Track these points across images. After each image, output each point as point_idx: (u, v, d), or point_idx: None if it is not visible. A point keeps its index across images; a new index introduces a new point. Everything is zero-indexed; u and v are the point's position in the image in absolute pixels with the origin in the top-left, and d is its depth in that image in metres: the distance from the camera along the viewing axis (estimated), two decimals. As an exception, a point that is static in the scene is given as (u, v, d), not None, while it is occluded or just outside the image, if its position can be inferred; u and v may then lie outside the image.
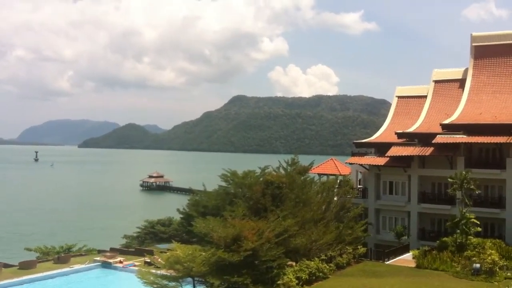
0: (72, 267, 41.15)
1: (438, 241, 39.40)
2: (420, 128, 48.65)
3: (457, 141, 43.68)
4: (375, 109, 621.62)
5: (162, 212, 74.01)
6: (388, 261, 38.71)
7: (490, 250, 34.65)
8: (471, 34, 52.59)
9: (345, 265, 36.16)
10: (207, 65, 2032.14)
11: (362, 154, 52.08)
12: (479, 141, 43.18)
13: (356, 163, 50.46)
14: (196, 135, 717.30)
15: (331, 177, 50.54)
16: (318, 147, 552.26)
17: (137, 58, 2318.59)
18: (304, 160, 46.06)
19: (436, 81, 53.88)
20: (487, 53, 51.26)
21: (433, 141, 44.09)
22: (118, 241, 60.12)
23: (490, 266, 32.73)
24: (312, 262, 32.62)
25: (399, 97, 57.07)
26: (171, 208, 66.15)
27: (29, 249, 53.87)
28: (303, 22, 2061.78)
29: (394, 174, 48.74)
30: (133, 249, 48.88)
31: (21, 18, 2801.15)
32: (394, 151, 46.68)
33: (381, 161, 47.99)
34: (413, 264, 37.01)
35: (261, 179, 39.90)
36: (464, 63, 53.68)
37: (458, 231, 37.70)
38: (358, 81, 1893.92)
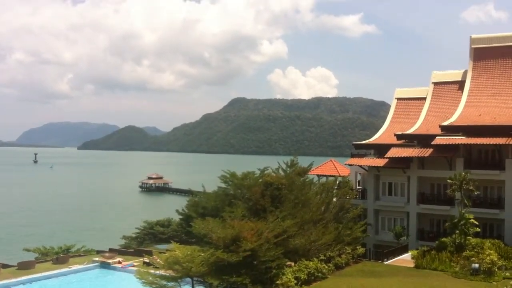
0: (71, 267, 41.08)
1: (437, 242, 39.48)
2: (419, 130, 48.70)
3: (456, 143, 43.75)
4: (375, 111, 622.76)
5: (161, 213, 74.01)
6: (387, 261, 38.74)
7: (489, 250, 34.69)
8: (470, 36, 52.70)
9: (344, 265, 36.21)
10: (207, 67, 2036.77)
11: (361, 156, 52.09)
12: (478, 143, 43.25)
13: (356, 164, 50.50)
14: (195, 137, 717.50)
15: (330, 178, 50.58)
16: (317, 148, 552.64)
17: (136, 61, 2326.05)
18: (303, 161, 46.09)
19: (435, 83, 53.94)
20: (486, 55, 51.36)
21: (432, 143, 44.14)
22: (117, 242, 60.07)
23: (489, 266, 32.80)
24: (311, 263, 32.64)
25: (398, 99, 57.12)
26: (170, 209, 66.27)
27: (28, 250, 53.81)
28: (302, 25, 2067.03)
29: (393, 175, 48.79)
30: (132, 250, 48.83)
31: (20, 21, 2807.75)
32: (393, 152, 46.74)
33: (380, 162, 48.04)
34: (412, 264, 37.04)
35: (260, 180, 39.91)
36: (463, 65, 53.89)
37: (457, 231, 37.76)
38: (358, 83, 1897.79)
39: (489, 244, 37.16)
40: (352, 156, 52.34)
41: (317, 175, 52.08)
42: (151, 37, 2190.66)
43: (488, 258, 33.20)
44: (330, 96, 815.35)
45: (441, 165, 45.59)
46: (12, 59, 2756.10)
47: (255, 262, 28.53)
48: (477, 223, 38.06)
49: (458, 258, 35.67)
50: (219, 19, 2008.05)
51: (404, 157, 46.25)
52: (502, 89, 48.92)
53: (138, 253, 45.62)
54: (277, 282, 29.09)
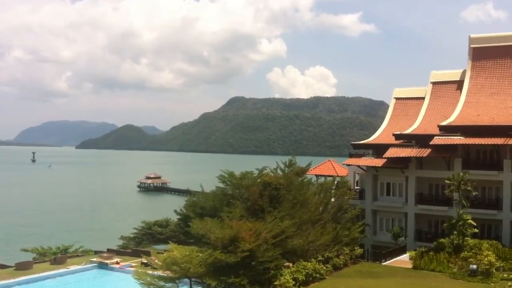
0: (69, 268, 41.00)
1: (435, 242, 39.46)
2: (417, 130, 48.67)
3: (455, 143, 43.73)
4: (373, 111, 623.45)
5: (159, 213, 73.91)
6: (385, 262, 38.76)
7: (486, 251, 34.65)
8: (469, 36, 52.70)
9: (342, 266, 36.19)
10: (206, 66, 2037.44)
11: (359, 156, 52.08)
12: (476, 143, 43.26)
13: (354, 164, 50.49)
14: (194, 136, 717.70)
15: (328, 178, 50.58)
16: (315, 148, 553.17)
17: (135, 59, 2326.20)
18: (301, 161, 46.07)
19: (434, 83, 53.94)
20: (485, 54, 51.34)
21: (431, 143, 44.13)
22: (115, 242, 59.93)
23: (487, 267, 32.78)
24: (309, 263, 32.61)
25: (397, 98, 57.13)
26: (168, 209, 66.23)
27: (25, 250, 53.67)
28: (301, 24, 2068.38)
29: (392, 175, 48.76)
30: (130, 250, 48.73)
31: (20, 19, 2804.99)
32: (391, 153, 46.71)
33: (378, 162, 48.01)
34: (410, 265, 37.04)
35: (258, 180, 39.89)
36: (462, 64, 53.87)
37: (455, 232, 37.76)
38: (356, 83, 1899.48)
39: (487, 245, 37.12)
40: (351, 156, 52.33)
41: (316, 175, 52.04)
42: (150, 35, 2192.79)
43: (486, 259, 33.17)
44: (328, 95, 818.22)
45: (439, 165, 45.58)
46: (11, 57, 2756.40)
47: (253, 262, 28.51)
48: (475, 224, 38.04)
49: (456, 259, 35.66)
50: (218, 17, 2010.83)
51: (402, 157, 46.23)
52: (501, 89, 48.92)
53: (136, 254, 45.54)
54: (275, 283, 29.05)
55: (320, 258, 34.10)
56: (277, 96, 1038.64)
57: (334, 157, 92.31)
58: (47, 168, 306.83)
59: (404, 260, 39.11)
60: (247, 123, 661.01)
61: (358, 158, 50.88)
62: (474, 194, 39.94)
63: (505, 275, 32.91)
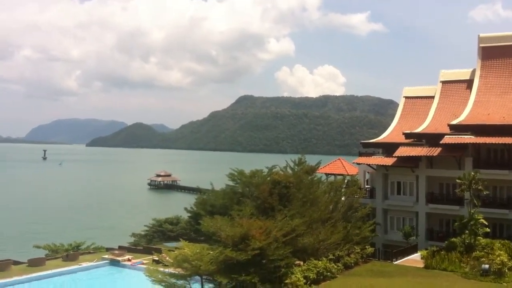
0: (81, 264, 41.45)
1: (446, 242, 39.27)
2: (427, 129, 48.53)
3: (465, 142, 43.56)
4: (382, 109, 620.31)
5: (170, 211, 74.27)
6: (396, 261, 38.68)
7: (499, 251, 34.54)
8: (479, 35, 52.45)
9: (353, 265, 36.18)
10: (214, 65, 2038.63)
11: (369, 154, 51.99)
12: (487, 142, 43.03)
13: (364, 163, 50.39)
14: (203, 135, 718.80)
15: (338, 177, 50.56)
16: (325, 147, 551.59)
17: (144, 58, 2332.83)
18: (311, 160, 46.13)
19: (443, 82, 53.74)
20: (495, 54, 51.10)
21: (441, 142, 43.97)
22: (126, 239, 60.43)
23: (499, 267, 32.63)
24: (320, 262, 32.66)
25: (406, 97, 56.95)
26: (178, 207, 66.46)
27: (38, 247, 54.34)
28: (309, 23, 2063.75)
29: (402, 174, 48.62)
30: (141, 247, 49.11)
31: (29, 18, 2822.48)
32: (401, 151, 46.58)
33: (388, 161, 47.88)
34: (421, 265, 36.96)
35: (268, 178, 40.01)
36: (471, 64, 53.63)
37: (467, 231, 37.59)
38: (365, 82, 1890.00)
39: (499, 244, 36.96)
40: (360, 154, 52.24)
41: (325, 173, 52.03)
42: (158, 34, 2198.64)
43: (498, 258, 33.03)
44: (337, 94, 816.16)
45: (450, 164, 45.41)
46: (21, 55, 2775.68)
47: (264, 261, 28.58)
48: (486, 223, 37.82)
49: (468, 259, 35.52)
50: (226, 16, 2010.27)
51: (412, 156, 46.07)
52: (510, 88, 48.68)
53: (147, 251, 45.87)
54: (286, 281, 29.11)
55: (331, 256, 34.14)
56: (285, 95, 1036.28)
57: (344, 155, 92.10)
58: (58, 166, 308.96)
59: (415, 259, 39.03)
60: (256, 121, 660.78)
61: (368, 157, 50.78)
62: (485, 193, 39.72)
63: (517, 274, 32.76)
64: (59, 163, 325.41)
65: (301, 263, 32.12)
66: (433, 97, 53.31)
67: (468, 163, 44.11)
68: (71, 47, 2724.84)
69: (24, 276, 37.02)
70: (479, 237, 37.48)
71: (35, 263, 40.73)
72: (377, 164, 49.06)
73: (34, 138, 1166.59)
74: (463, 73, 53.54)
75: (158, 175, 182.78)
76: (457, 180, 39.77)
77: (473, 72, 51.94)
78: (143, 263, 40.50)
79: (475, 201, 38.18)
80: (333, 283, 31.97)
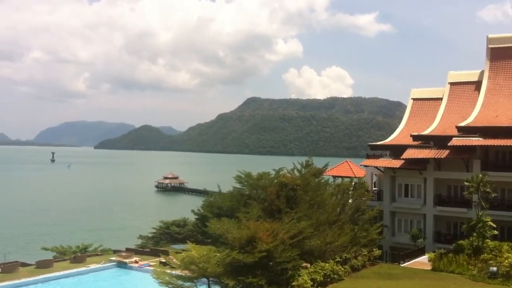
0: (88, 266, 41.58)
1: (454, 244, 39.07)
2: (435, 131, 48.29)
3: (473, 144, 43.31)
4: (390, 111, 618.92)
5: (177, 213, 74.46)
6: (404, 263, 38.52)
7: (507, 254, 34.28)
8: (487, 36, 52.15)
9: (360, 267, 36.04)
10: (222, 66, 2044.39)
11: (377, 157, 51.76)
12: (495, 144, 42.78)
13: (371, 166, 50.23)
14: (210, 137, 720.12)
15: (345, 179, 50.45)
16: (332, 149, 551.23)
17: (152, 59, 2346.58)
18: (318, 162, 46.03)
19: (451, 83, 53.47)
20: (504, 55, 50.80)
21: (449, 144, 43.74)
22: (133, 241, 60.61)
23: (507, 269, 32.42)
24: (327, 264, 32.57)
25: (414, 99, 56.69)
26: (186, 209, 66.62)
27: (46, 249, 54.59)
28: (317, 24, 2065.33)
29: (410, 177, 48.44)
30: (149, 250, 49.23)
31: (37, 20, 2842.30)
32: (409, 154, 46.40)
33: (396, 163, 47.70)
34: (429, 267, 36.78)
35: (275, 181, 39.98)
36: (479, 65, 53.35)
37: (475, 234, 37.39)
38: (373, 83, 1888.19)
39: (507, 247, 36.64)
40: (368, 157, 52.04)
41: (333, 176, 51.88)
42: (166, 35, 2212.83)
43: (506, 261, 32.83)
44: (345, 96, 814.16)
45: (458, 166, 45.17)
46: (30, 57, 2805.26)
47: (271, 263, 28.61)
48: (494, 225, 37.62)
49: (476, 261, 35.33)
50: (234, 18, 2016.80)
51: (420, 158, 45.89)
52: (520, 89, 48.34)
53: (154, 253, 45.99)
54: (293, 283, 29.07)
55: (338, 259, 34.04)
56: (293, 96, 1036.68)
57: (351, 158, 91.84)
58: (66, 168, 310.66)
59: (423, 261, 38.87)
60: (263, 123, 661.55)
61: (376, 159, 50.57)
62: (493, 195, 39.52)
63: (525, 277, 32.50)
64: (67, 165, 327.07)
65: (308, 265, 32.05)
66: (441, 99, 53.06)
67: (476, 165, 43.86)
68: (80, 49, 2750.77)
69: (32, 278, 37.21)
70: (487, 240, 37.26)
71: (43, 265, 40.92)
72: (385, 167, 48.89)
73: (43, 141, 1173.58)
74: (472, 75, 53.26)
75: (166, 178, 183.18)
76: (465, 183, 39.59)
77: (482, 73, 51.66)
78: (150, 265, 40.58)
79: (483, 204, 37.99)
80: (340, 285, 31.87)
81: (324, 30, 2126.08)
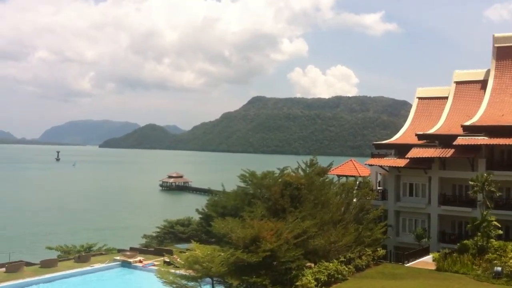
0: (93, 266, 41.68)
1: (458, 244, 38.91)
2: (441, 130, 48.11)
3: (479, 143, 43.13)
4: (395, 110, 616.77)
5: (181, 212, 74.52)
6: (408, 263, 38.37)
7: (511, 253, 34.11)
8: (493, 35, 51.93)
9: (364, 267, 35.93)
10: (227, 66, 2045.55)
11: (382, 156, 51.61)
12: (500, 143, 42.57)
13: (376, 165, 50.06)
14: (215, 136, 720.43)
15: (350, 178, 50.29)
16: (337, 148, 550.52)
17: (157, 59, 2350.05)
18: (323, 161, 45.93)
19: (457, 82, 53.27)
20: (510, 54, 50.58)
21: (454, 143, 43.56)
22: (137, 241, 60.72)
23: (512, 269, 32.26)
24: (331, 264, 32.46)
25: (419, 98, 56.51)
26: (190, 208, 66.66)
27: (50, 248, 54.74)
28: (322, 23, 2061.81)
29: (414, 176, 48.28)
30: (153, 249, 49.29)
31: (43, 19, 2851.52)
32: (414, 153, 46.24)
33: (401, 162, 47.55)
34: (433, 267, 36.61)
35: (279, 180, 39.96)
36: (485, 64, 53.08)
37: (479, 233, 37.23)
38: (378, 82, 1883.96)
39: (512, 247, 36.58)
40: (373, 156, 51.93)
41: (337, 175, 51.75)
42: (171, 35, 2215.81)
43: (511, 261, 32.67)
44: (350, 95, 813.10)
45: (463, 166, 45.00)
46: (35, 57, 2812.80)
47: (275, 262, 28.55)
48: (499, 225, 37.44)
49: (480, 261, 35.16)
50: (239, 17, 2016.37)
51: (425, 157, 45.73)
52: (526, 88, 48.10)
53: (158, 252, 46.05)
54: (297, 283, 28.98)
55: (342, 259, 33.91)
56: (298, 95, 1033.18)
57: (356, 157, 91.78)
58: (71, 166, 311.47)
59: (427, 261, 38.69)
60: (268, 122, 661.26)
61: (380, 158, 50.43)
62: (498, 195, 39.34)
63: (530, 277, 32.32)
64: (72, 164, 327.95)
65: (312, 265, 31.98)
66: (446, 98, 52.86)
67: (481, 165, 43.67)
68: (85, 49, 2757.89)
69: (36, 277, 37.34)
70: (491, 239, 37.09)
71: (47, 264, 41.04)
72: (390, 166, 48.73)
73: (48, 139, 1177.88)
74: (477, 74, 53.04)
75: (170, 177, 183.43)
76: (470, 182, 39.37)
77: (487, 72, 51.44)
78: (154, 265, 40.63)
79: (488, 203, 37.80)
80: (344, 285, 31.77)
81: (329, 29, 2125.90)
